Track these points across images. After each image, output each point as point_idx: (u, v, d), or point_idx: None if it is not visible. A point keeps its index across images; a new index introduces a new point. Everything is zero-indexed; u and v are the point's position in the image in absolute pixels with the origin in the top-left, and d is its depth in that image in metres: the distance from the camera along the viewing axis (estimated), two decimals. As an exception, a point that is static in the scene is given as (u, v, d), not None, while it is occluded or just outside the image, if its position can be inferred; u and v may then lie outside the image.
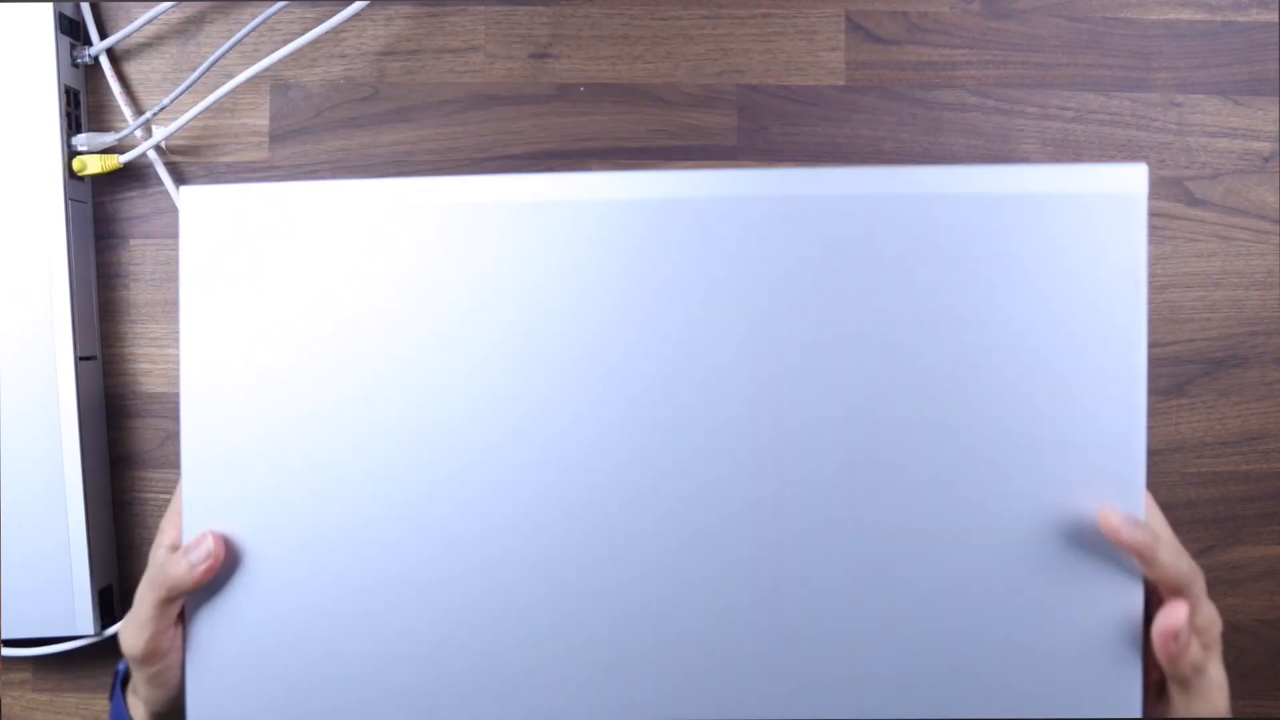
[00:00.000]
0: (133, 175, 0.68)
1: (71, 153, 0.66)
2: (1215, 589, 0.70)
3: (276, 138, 0.69)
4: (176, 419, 0.69)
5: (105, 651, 0.68)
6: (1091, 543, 0.42)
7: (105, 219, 0.69)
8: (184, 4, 0.67)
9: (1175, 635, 0.41)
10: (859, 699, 0.42)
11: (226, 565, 0.46)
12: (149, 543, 0.69)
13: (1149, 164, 0.69)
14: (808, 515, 0.43)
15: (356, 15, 0.65)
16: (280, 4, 0.65)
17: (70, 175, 0.66)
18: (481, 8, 0.68)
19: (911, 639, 0.43)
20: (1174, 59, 0.69)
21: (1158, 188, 0.69)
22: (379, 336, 0.45)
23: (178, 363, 0.69)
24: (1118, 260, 0.43)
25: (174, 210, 0.68)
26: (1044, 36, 0.69)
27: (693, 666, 0.42)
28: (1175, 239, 0.69)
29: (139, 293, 0.69)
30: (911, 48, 0.69)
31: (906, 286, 0.44)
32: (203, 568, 0.45)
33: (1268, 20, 0.69)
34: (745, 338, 0.44)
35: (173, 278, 0.69)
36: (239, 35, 0.65)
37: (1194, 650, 0.42)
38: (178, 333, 0.69)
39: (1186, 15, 0.69)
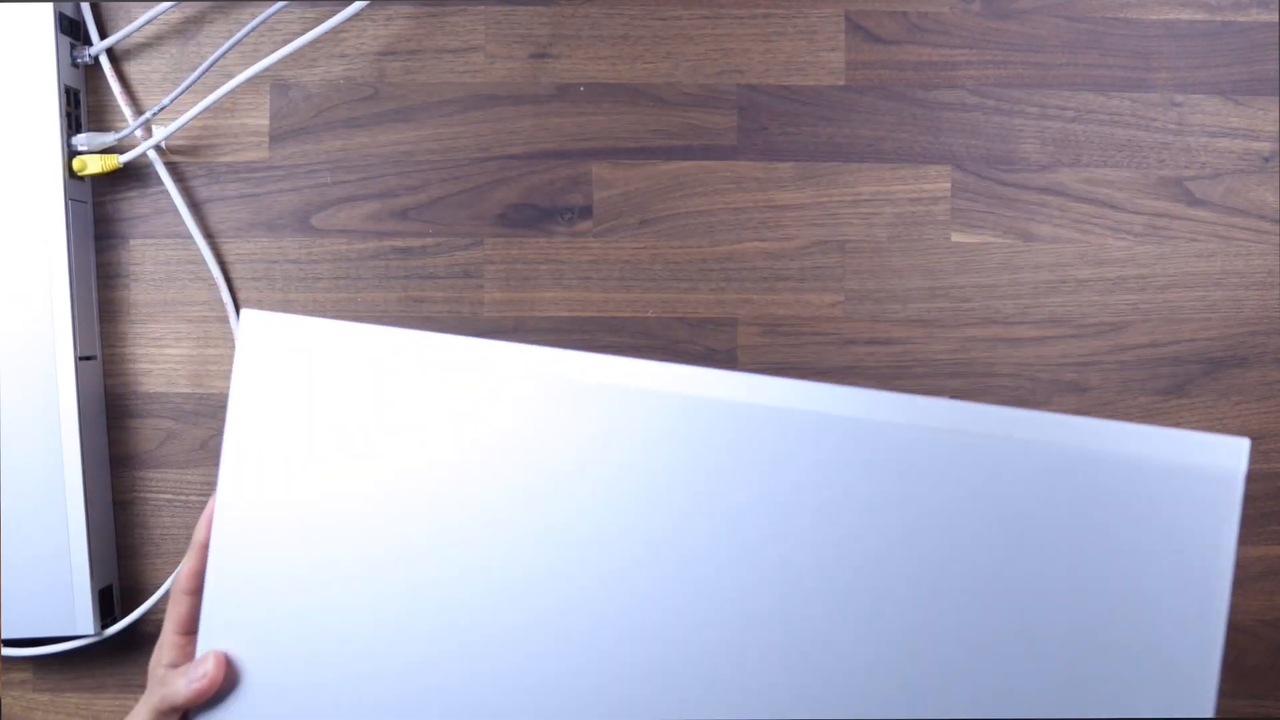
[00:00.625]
0: (133, 175, 0.68)
1: (71, 152, 0.66)
2: (1215, 589, 0.70)
3: (276, 138, 0.69)
4: (176, 418, 0.69)
5: (105, 651, 0.68)
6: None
7: (105, 219, 0.69)
8: (184, 4, 0.67)
9: None
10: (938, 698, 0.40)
11: (226, 683, 0.48)
12: (150, 542, 0.69)
13: (1148, 164, 0.69)
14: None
15: (356, 15, 0.65)
16: (280, 4, 0.65)
17: (70, 175, 0.66)
18: (482, 8, 0.68)
19: (983, 636, 0.41)
20: (1174, 59, 0.69)
21: (1158, 188, 0.69)
22: (413, 492, 0.46)
23: (178, 362, 0.69)
24: (1205, 539, 0.41)
25: (174, 210, 0.68)
26: (1044, 36, 0.69)
27: None
28: (1175, 239, 0.69)
29: (139, 293, 0.69)
30: (911, 48, 0.69)
31: (981, 536, 0.42)
32: (197, 685, 0.47)
33: (1267, 20, 0.69)
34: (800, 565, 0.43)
35: (172, 277, 0.69)
36: (239, 35, 0.65)
37: None
38: (178, 333, 0.70)
39: (1186, 15, 0.69)
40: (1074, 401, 0.69)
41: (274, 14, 0.66)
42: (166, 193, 0.68)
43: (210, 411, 0.69)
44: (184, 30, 0.68)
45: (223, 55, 0.65)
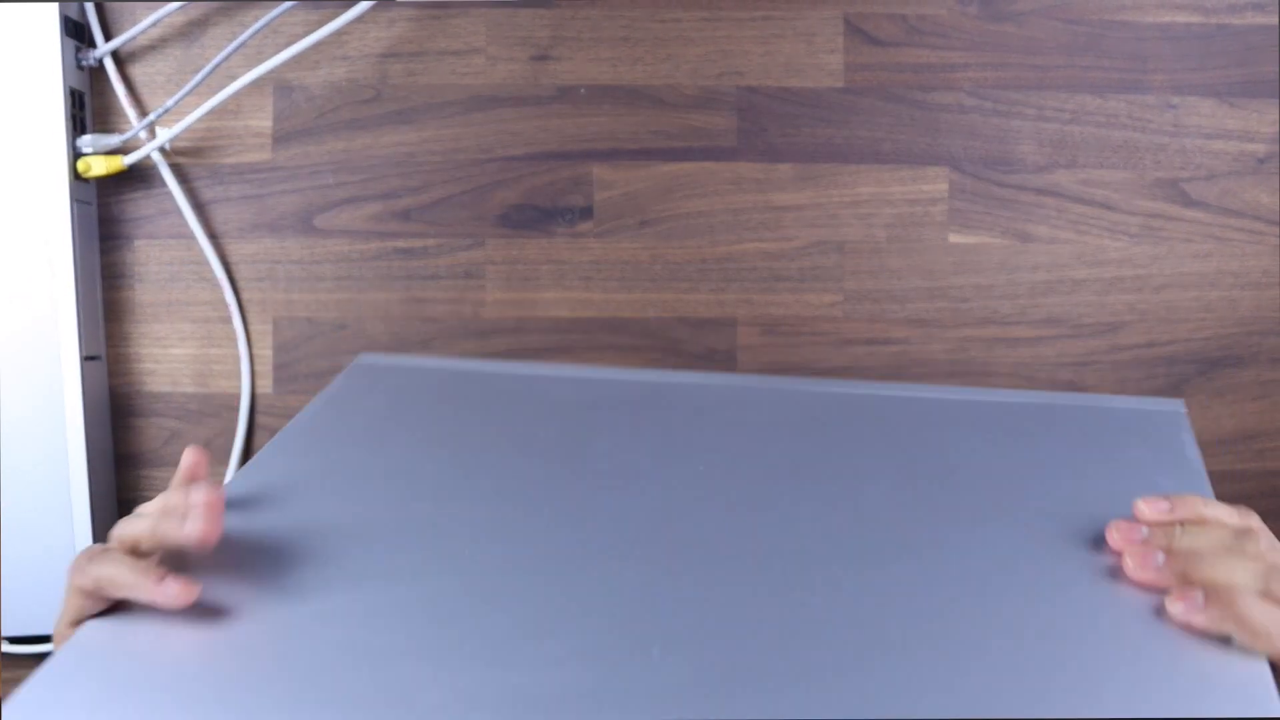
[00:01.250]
0: (137, 177, 0.69)
1: (76, 154, 0.66)
2: (1211, 587, 0.71)
3: (279, 139, 0.69)
4: (180, 418, 0.70)
5: (109, 649, 0.69)
6: None
7: (110, 220, 0.69)
8: (188, 6, 0.68)
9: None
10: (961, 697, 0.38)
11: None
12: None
13: (1144, 165, 0.69)
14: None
15: (359, 17, 0.66)
16: (283, 6, 0.66)
17: (75, 177, 0.66)
18: (483, 10, 0.69)
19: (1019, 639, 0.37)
20: (1170, 61, 0.69)
21: (1154, 189, 0.70)
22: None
23: (182, 362, 0.70)
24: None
25: (178, 211, 0.68)
26: (1041, 39, 0.69)
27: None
28: (1171, 240, 0.69)
29: (143, 293, 0.69)
30: (910, 50, 0.69)
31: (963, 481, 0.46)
32: (200, 527, 0.38)
33: (1263, 23, 0.69)
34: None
35: (176, 278, 0.69)
36: (242, 38, 0.66)
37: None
38: (181, 333, 0.70)
39: (1182, 18, 0.69)
40: (1071, 401, 0.70)
41: (277, 16, 0.66)
42: (170, 194, 0.68)
43: (214, 411, 0.70)
44: (188, 33, 0.69)
45: (226, 57, 0.66)
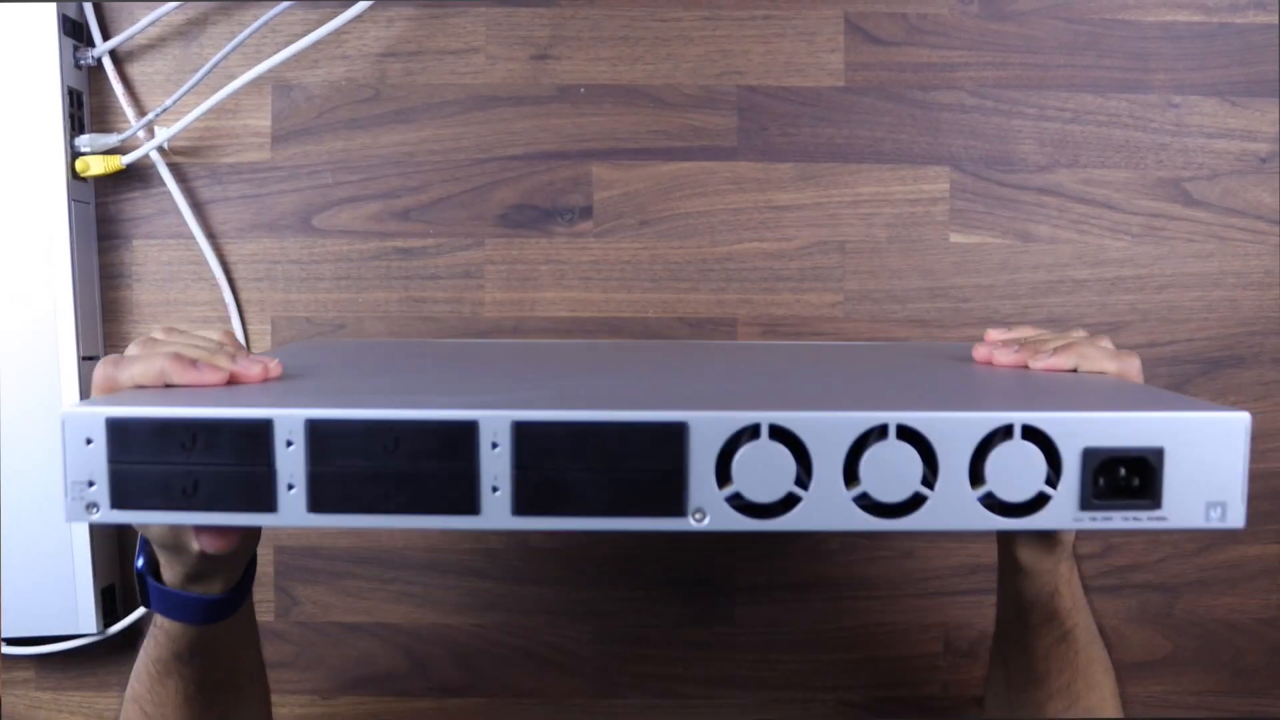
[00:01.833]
0: (135, 176, 0.69)
1: (74, 154, 0.66)
2: (1214, 588, 0.71)
3: (278, 138, 0.69)
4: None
5: (108, 650, 0.69)
6: None
7: (108, 220, 0.69)
8: (186, 6, 0.67)
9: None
10: None
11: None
12: (151, 542, 0.69)
13: (1146, 165, 0.69)
14: None
15: (358, 17, 0.66)
16: (282, 6, 0.66)
17: (73, 176, 0.66)
18: (483, 9, 0.69)
19: None
20: (1171, 60, 0.69)
21: (1155, 188, 0.69)
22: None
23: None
24: None
25: (176, 210, 0.68)
26: (1042, 38, 0.69)
27: None
28: (1173, 239, 0.69)
29: (142, 293, 0.69)
30: (910, 49, 0.69)
31: None
32: (260, 369, 0.43)
33: (1264, 22, 0.69)
34: None
35: (174, 278, 0.69)
36: (241, 37, 0.66)
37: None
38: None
39: (1184, 17, 0.69)
40: (1072, 401, 0.69)
41: (276, 16, 0.66)
42: (169, 193, 0.68)
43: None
44: (186, 32, 0.69)
45: (225, 57, 0.66)
